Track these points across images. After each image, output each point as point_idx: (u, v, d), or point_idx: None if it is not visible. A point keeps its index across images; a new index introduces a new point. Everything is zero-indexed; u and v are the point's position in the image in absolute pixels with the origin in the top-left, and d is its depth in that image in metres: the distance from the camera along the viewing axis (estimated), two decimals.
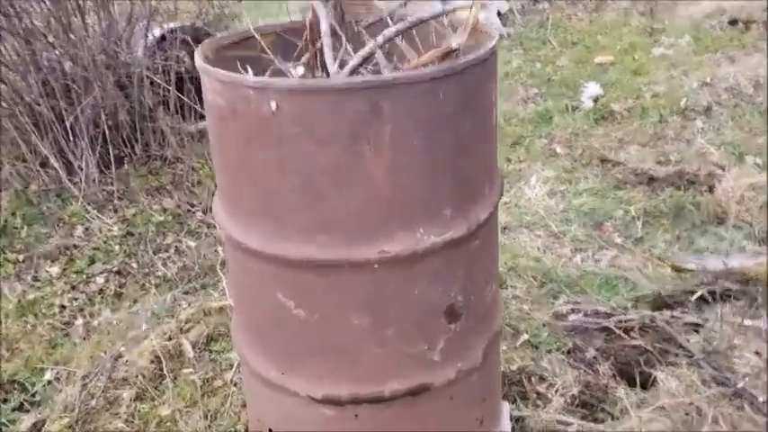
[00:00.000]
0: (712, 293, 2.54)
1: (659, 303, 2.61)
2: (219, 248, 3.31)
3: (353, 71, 1.61)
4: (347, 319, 1.54)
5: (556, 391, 2.17)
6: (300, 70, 1.37)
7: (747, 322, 2.33)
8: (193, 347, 2.52)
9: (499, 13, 6.48)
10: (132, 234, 3.34)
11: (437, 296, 1.56)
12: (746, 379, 2.10)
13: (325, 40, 1.76)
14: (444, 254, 1.52)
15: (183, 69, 3.67)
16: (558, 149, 4.15)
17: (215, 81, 1.45)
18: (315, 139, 1.38)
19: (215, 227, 3.48)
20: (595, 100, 4.80)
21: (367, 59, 1.64)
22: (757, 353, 2.25)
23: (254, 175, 1.46)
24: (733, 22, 5.88)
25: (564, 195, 3.56)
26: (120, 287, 3.03)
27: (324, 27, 1.79)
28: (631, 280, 2.80)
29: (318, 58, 1.66)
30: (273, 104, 1.36)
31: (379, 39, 1.63)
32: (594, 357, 2.32)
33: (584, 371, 2.27)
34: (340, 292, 1.52)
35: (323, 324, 1.56)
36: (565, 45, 6.00)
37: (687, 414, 2.05)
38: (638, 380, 2.20)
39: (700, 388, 2.12)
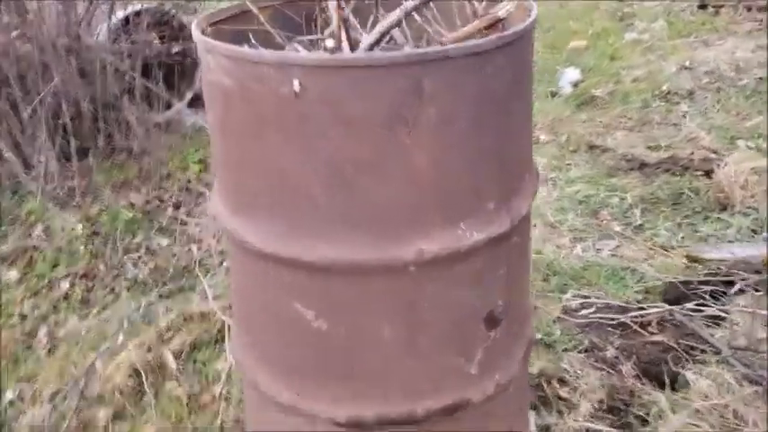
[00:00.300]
0: (730, 284, 2.42)
1: (671, 295, 2.48)
2: (194, 246, 3.07)
3: (370, 49, 1.40)
4: (377, 330, 1.34)
5: (581, 396, 2.01)
6: (330, 43, 1.16)
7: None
8: (176, 358, 2.29)
9: None
10: (98, 233, 3.07)
11: (478, 300, 1.38)
12: None
13: (335, 14, 1.56)
14: (487, 252, 1.33)
15: (149, 55, 3.39)
16: (543, 136, 4.01)
17: (221, 58, 1.23)
18: (345, 124, 1.17)
19: (187, 223, 3.24)
20: (575, 85, 4.67)
21: (384, 35, 1.44)
22: None
23: (268, 166, 1.25)
24: (702, 7, 5.84)
25: (556, 183, 3.41)
26: (87, 292, 2.77)
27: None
28: (638, 270, 2.66)
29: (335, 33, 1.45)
30: (296, 83, 1.15)
31: (401, 10, 1.44)
32: (616, 357, 2.17)
33: (607, 372, 2.11)
34: (370, 299, 1.32)
35: (348, 337, 1.36)
36: (536, 30, 5.86)
37: (723, 417, 1.92)
38: (667, 380, 2.05)
39: (733, 387, 1.99)
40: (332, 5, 1.31)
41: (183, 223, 3.19)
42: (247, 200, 1.32)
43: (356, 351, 1.37)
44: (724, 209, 2.98)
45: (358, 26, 1.63)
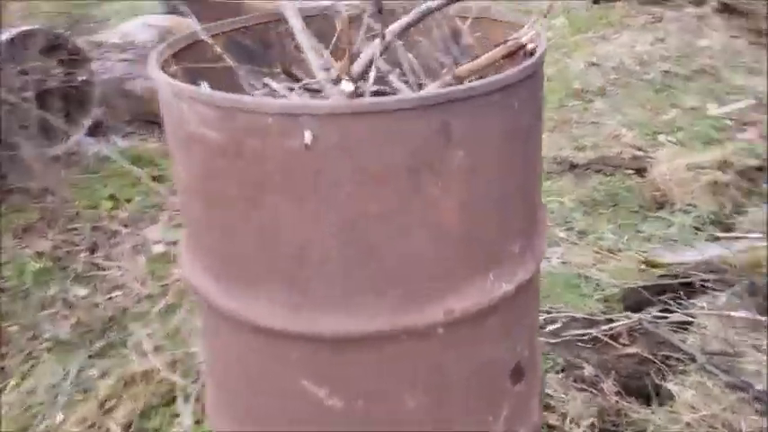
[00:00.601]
0: (687, 285, 2.42)
1: (631, 302, 2.45)
2: (118, 293, 2.78)
3: (359, 79, 1.24)
4: (400, 401, 1.19)
5: (571, 422, 1.93)
6: (349, 86, 1.00)
7: (737, 314, 2.22)
8: (125, 431, 2.02)
9: None
10: (4, 290, 2.72)
11: (507, 354, 1.25)
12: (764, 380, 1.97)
13: (305, 43, 1.39)
14: (516, 300, 1.21)
15: (44, 83, 3.04)
16: None
17: (203, 107, 1.04)
18: (366, 176, 1.01)
19: (106, 268, 2.93)
20: None
21: (371, 64, 1.28)
22: (754, 346, 2.14)
23: (272, 231, 1.07)
24: (596, 1, 5.99)
25: None
26: (0, 360, 2.43)
27: (297, 26, 1.42)
28: (592, 278, 2.62)
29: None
30: (308, 135, 0.98)
31: (387, 35, 1.28)
32: (596, 375, 2.10)
33: (590, 392, 2.04)
34: (393, 369, 1.16)
35: (367, 413, 1.19)
36: None
37: (712, 427, 1.89)
38: (653, 394, 2.01)
39: (717, 396, 1.96)
40: (335, 41, 1.14)
41: (102, 268, 2.88)
42: (243, 269, 1.13)
43: (376, 427, 1.21)
44: (661, 207, 3.00)
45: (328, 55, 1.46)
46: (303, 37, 1.40)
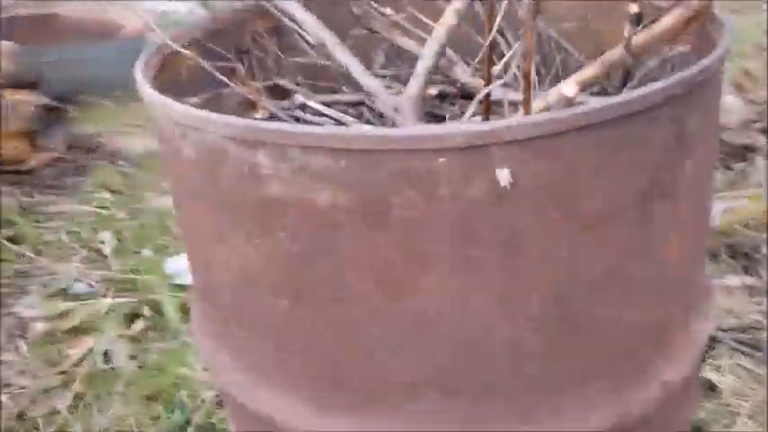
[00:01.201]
0: None
1: None
2: (5, 396, 2.18)
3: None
4: None
5: None
6: (571, 89, 0.63)
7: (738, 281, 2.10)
8: None
9: None
10: None
11: (690, 412, 0.96)
12: None
13: (328, 39, 1.00)
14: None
15: None
16: None
17: (310, 155, 0.63)
18: (580, 226, 0.67)
19: None
20: None
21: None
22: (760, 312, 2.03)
23: (427, 325, 0.69)
24: None
25: None
26: None
27: (310, 23, 1.03)
28: None
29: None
30: (505, 175, 0.61)
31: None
32: None
33: None
34: None
35: None
36: None
37: None
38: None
39: (759, 376, 1.81)
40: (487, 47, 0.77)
41: None
42: (374, 384, 0.74)
43: None
44: None
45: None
46: (326, 35, 1.01)
